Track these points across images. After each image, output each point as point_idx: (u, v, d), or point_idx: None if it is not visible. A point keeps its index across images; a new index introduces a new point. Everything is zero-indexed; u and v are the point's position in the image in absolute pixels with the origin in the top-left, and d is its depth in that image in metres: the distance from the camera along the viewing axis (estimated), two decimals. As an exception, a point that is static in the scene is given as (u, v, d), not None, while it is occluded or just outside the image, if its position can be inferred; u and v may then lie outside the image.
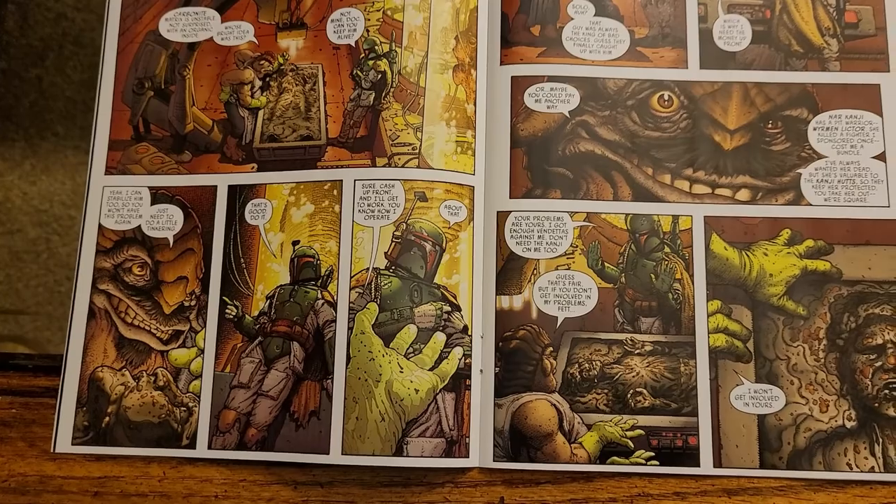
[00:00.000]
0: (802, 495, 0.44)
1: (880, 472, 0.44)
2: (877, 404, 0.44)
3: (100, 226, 0.49)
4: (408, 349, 0.44)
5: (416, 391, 0.44)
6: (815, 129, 0.48)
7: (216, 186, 0.48)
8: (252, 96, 0.49)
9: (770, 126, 0.48)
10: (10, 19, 0.86)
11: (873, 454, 0.44)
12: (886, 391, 0.44)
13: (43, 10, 0.87)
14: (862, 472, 0.44)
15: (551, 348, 0.45)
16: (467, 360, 0.45)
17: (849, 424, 0.44)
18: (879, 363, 0.45)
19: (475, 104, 0.48)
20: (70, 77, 0.95)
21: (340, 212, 0.46)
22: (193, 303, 0.47)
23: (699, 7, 0.50)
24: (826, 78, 0.49)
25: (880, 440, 0.44)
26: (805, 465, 0.44)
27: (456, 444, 0.44)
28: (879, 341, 0.45)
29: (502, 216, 0.47)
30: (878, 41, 0.49)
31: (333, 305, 0.45)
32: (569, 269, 0.46)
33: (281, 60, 0.50)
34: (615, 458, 0.44)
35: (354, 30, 0.49)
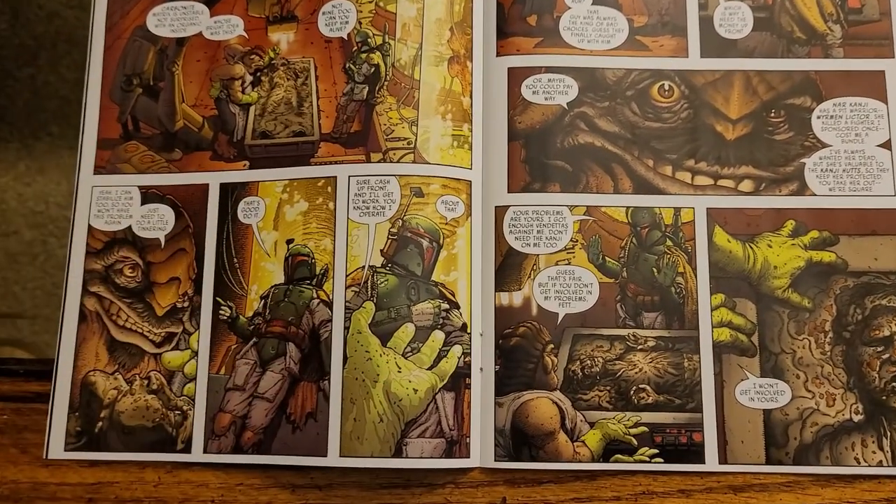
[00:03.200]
0: (810, 491, 0.43)
1: (889, 465, 0.43)
2: (884, 397, 0.44)
3: (89, 227, 0.48)
4: (406, 348, 0.44)
5: (415, 391, 0.43)
6: (818, 117, 0.47)
7: (208, 185, 0.47)
8: (243, 92, 0.48)
9: (773, 115, 0.47)
10: (1, 18, 0.84)
11: (881, 448, 0.43)
12: (894, 384, 0.44)
13: (35, 7, 0.85)
14: (870, 466, 0.43)
15: (552, 345, 0.44)
16: (467, 359, 0.44)
17: (856, 418, 0.43)
18: (887, 355, 0.44)
19: (471, 97, 0.47)
20: (63, 76, 0.94)
21: (335, 209, 0.45)
22: (186, 304, 0.46)
23: (699, -6, 0.48)
24: (829, 65, 0.47)
25: (888, 434, 0.43)
26: (812, 460, 0.43)
27: (456, 444, 0.43)
28: (887, 333, 0.44)
29: (500, 211, 0.46)
30: (882, 26, 0.48)
31: (329, 305, 0.44)
32: (569, 264, 0.45)
33: (272, 55, 0.48)
34: (619, 456, 0.43)
35: (346, 22, 0.48)
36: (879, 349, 0.44)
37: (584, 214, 0.46)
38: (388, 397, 0.43)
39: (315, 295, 0.45)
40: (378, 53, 0.47)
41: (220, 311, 0.46)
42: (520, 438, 0.44)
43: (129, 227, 0.48)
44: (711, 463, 0.43)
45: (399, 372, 0.43)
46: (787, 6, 0.48)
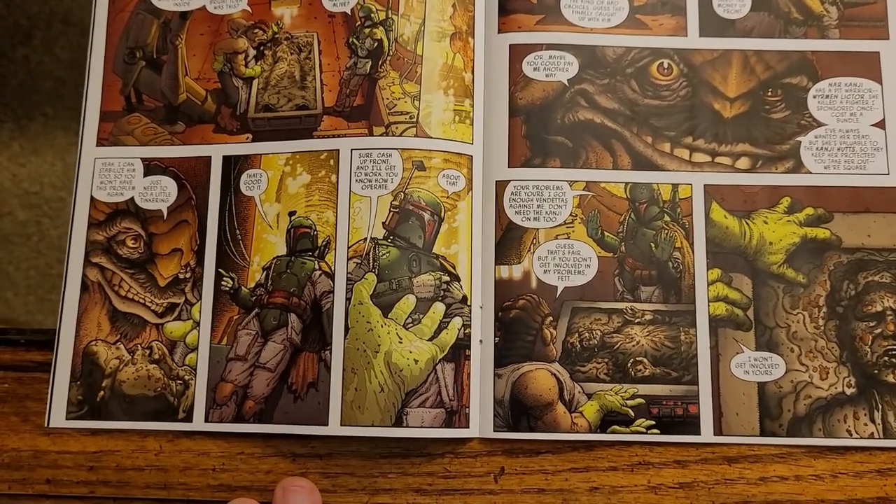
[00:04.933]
0: (802, 462, 0.44)
1: (880, 437, 0.44)
2: (876, 371, 0.44)
3: (92, 198, 0.48)
4: (406, 319, 0.44)
5: (416, 361, 0.43)
6: (814, 96, 0.48)
7: (210, 157, 0.48)
8: (246, 66, 0.49)
9: (770, 94, 0.48)
10: (-5, -3, 0.84)
11: (873, 420, 0.44)
12: (886, 358, 0.44)
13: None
14: (862, 438, 0.44)
15: (551, 318, 0.45)
16: (467, 331, 0.44)
17: (848, 391, 0.44)
18: (879, 330, 0.45)
19: (473, 73, 0.48)
20: (58, 56, 0.94)
21: (337, 182, 0.46)
22: (188, 275, 0.47)
23: (698, -26, 0.49)
24: (826, 45, 0.48)
25: (880, 406, 0.44)
26: (805, 432, 0.44)
27: (456, 415, 0.43)
28: (879, 308, 0.45)
29: (501, 185, 0.46)
30: (877, 8, 0.49)
31: (331, 276, 0.45)
32: (568, 238, 0.46)
33: (275, 29, 0.49)
34: (616, 427, 0.44)
35: (350, -3, 0.48)
36: (871, 324, 0.45)
37: (583, 189, 0.46)
38: (389, 367, 0.43)
39: (317, 266, 0.45)
40: (381, 28, 0.47)
41: (223, 283, 0.46)
42: (518, 409, 0.44)
43: (132, 199, 0.48)
44: (707, 434, 0.44)
45: (400, 343, 0.44)
46: (784, -13, 0.49)
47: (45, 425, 0.45)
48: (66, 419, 0.45)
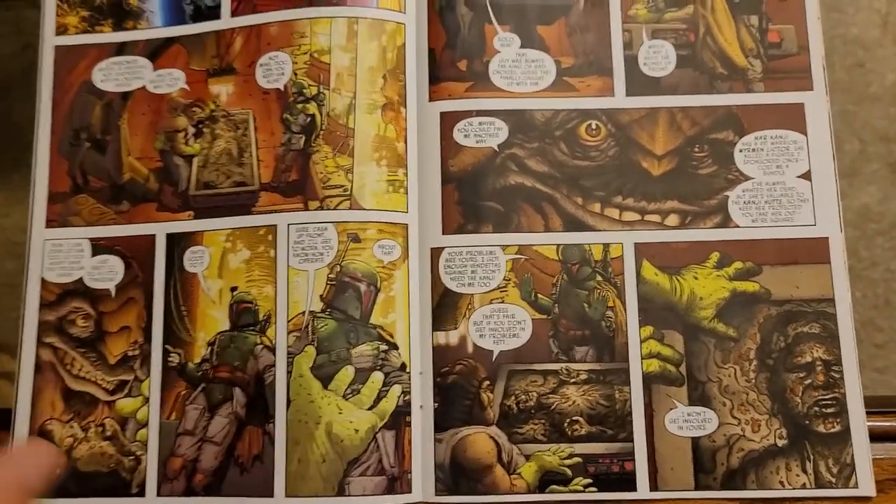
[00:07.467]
0: (738, 514, 0.45)
1: (812, 487, 0.45)
2: (807, 422, 0.45)
3: (42, 279, 0.49)
4: (346, 390, 0.45)
5: (356, 431, 0.45)
6: (741, 150, 0.49)
7: (155, 235, 0.49)
8: (186, 144, 0.50)
9: (697, 150, 0.49)
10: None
11: (805, 471, 0.45)
12: (816, 408, 0.45)
13: (8, 41, 0.87)
14: (794, 489, 0.45)
15: (488, 381, 0.46)
16: (406, 398, 0.46)
17: (780, 443, 0.45)
18: (809, 381, 0.46)
19: (405, 142, 0.49)
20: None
21: (276, 257, 0.47)
22: (137, 352, 0.48)
23: (624, 34, 0.50)
24: (751, 99, 0.49)
25: (811, 457, 0.45)
26: (739, 484, 0.45)
27: (398, 481, 0.45)
28: (808, 359, 0.46)
29: (436, 252, 0.48)
30: (801, 60, 0.50)
31: (272, 350, 0.46)
32: (503, 302, 0.47)
33: (213, 107, 0.50)
34: (554, 486, 0.45)
35: (283, 73, 0.49)
36: (802, 375, 0.46)
37: (516, 253, 0.48)
38: (331, 438, 0.45)
39: (259, 341, 0.47)
40: (314, 103, 0.48)
41: (169, 359, 0.48)
42: (459, 473, 0.45)
43: (81, 279, 0.49)
44: (643, 490, 0.45)
45: (340, 413, 0.45)
46: (709, 42, 0.50)
47: (5, 504, 0.47)
48: (25, 497, 0.47)
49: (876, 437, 0.45)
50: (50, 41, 0.52)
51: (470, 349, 0.47)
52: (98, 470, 0.47)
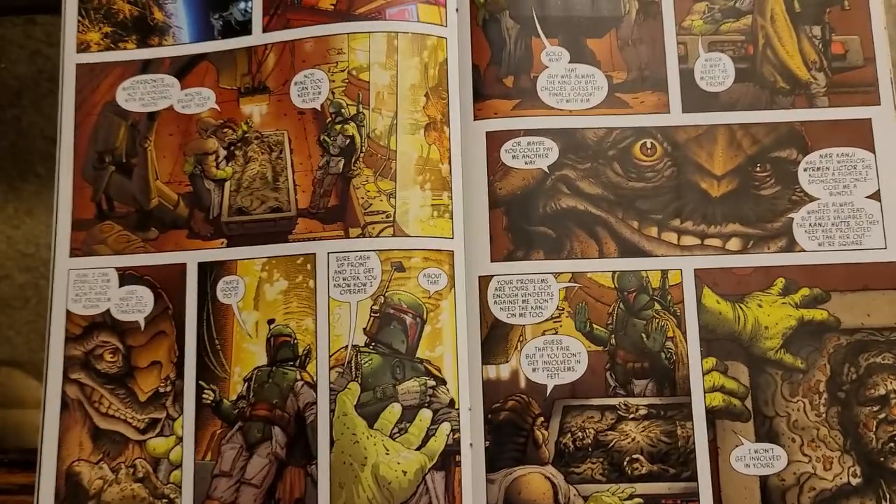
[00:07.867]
0: (810, 557, 0.42)
1: (889, 529, 0.42)
2: (882, 458, 0.43)
3: (67, 312, 0.47)
4: (393, 429, 0.43)
5: (404, 473, 0.42)
6: (805, 169, 0.46)
7: (185, 264, 0.46)
8: (217, 167, 0.47)
9: (758, 169, 0.46)
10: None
11: (881, 512, 0.42)
12: (892, 444, 0.43)
13: (15, 47, 0.84)
14: (870, 530, 0.42)
15: (542, 418, 0.44)
16: (456, 436, 0.43)
17: (854, 481, 0.43)
18: (883, 415, 0.43)
19: (450, 163, 0.46)
20: (48, 115, 0.93)
21: (315, 287, 0.45)
22: (169, 388, 0.45)
23: (679, 47, 0.47)
24: (815, 115, 0.46)
25: (888, 496, 0.42)
26: (811, 526, 0.42)
27: (449, 525, 0.42)
28: (882, 392, 0.43)
29: (484, 281, 0.45)
30: (867, 72, 0.47)
31: (314, 386, 0.44)
32: (556, 333, 0.44)
33: (245, 128, 0.47)
34: (614, 529, 0.43)
35: (319, 92, 0.46)
36: (875, 409, 0.43)
37: (569, 281, 0.45)
38: (377, 481, 0.42)
39: (299, 377, 0.44)
40: (353, 124, 0.46)
41: (204, 395, 0.45)
42: (513, 515, 0.43)
43: (108, 311, 0.47)
44: (709, 532, 0.42)
45: (387, 454, 0.42)
46: (768, 55, 0.47)
47: (32, 551, 0.44)
48: (53, 543, 0.44)
49: (955, 473, 0.43)
50: (71, 59, 0.50)
51: (522, 384, 0.44)
52: (130, 514, 0.44)
